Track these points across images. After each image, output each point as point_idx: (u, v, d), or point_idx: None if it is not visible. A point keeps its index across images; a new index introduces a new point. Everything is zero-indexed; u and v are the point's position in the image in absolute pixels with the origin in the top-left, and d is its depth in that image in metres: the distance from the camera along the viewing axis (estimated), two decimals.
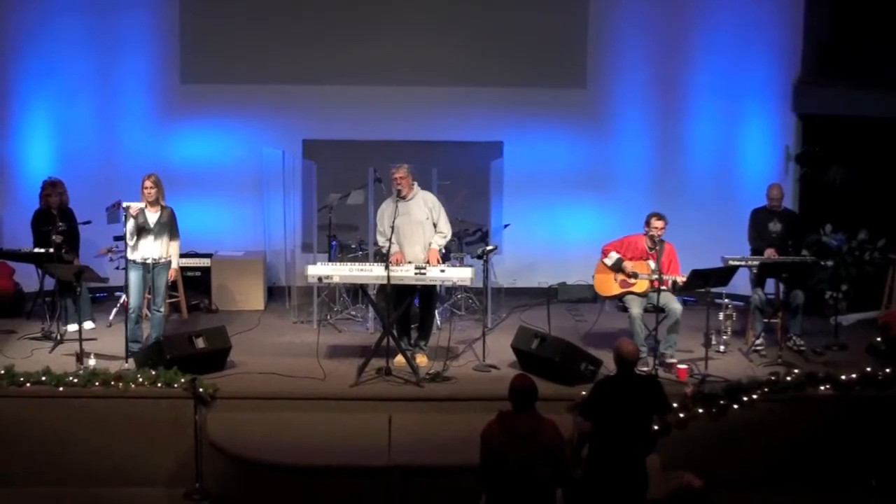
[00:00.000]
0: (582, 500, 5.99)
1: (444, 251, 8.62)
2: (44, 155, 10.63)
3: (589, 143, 11.12)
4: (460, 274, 8.21)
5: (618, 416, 5.98)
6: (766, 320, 8.83)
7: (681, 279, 8.25)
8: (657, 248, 8.38)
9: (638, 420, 6.04)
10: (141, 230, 8.29)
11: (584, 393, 7.54)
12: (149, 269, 8.36)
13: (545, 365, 7.96)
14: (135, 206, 8.27)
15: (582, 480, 5.99)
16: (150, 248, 8.34)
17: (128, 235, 8.31)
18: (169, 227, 8.43)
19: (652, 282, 8.28)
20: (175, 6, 10.81)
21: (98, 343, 8.75)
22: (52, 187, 9.23)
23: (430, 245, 8.37)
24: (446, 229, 8.47)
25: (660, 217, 8.41)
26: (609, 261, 8.50)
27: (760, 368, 8.24)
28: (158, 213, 8.38)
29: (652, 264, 8.38)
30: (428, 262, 8.26)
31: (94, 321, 9.32)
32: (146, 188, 8.34)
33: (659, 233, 8.38)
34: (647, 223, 8.43)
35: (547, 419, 5.80)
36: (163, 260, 8.41)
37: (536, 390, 5.84)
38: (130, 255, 8.36)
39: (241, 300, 10.38)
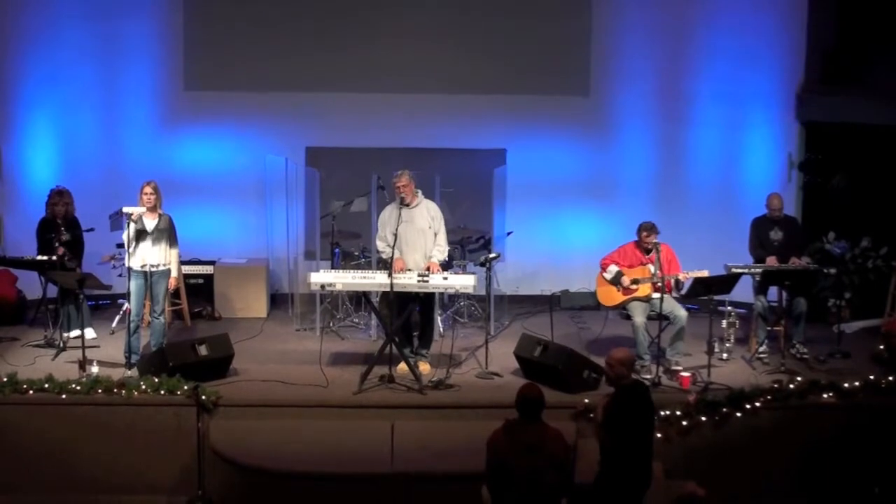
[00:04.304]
0: None
1: (446, 259, 8.62)
2: (47, 163, 10.65)
3: (592, 150, 11.12)
4: (463, 281, 8.21)
5: (628, 428, 5.97)
6: (769, 328, 8.82)
7: (683, 276, 8.26)
8: (654, 249, 8.35)
9: (645, 429, 6.04)
10: (140, 235, 8.28)
11: (586, 401, 7.55)
12: (147, 276, 8.36)
13: (548, 372, 7.95)
14: (136, 211, 8.27)
15: (594, 491, 5.98)
16: (149, 255, 8.34)
17: (127, 241, 8.30)
18: (167, 233, 8.42)
19: (654, 284, 8.28)
20: (178, 14, 10.84)
21: (101, 351, 8.78)
22: (58, 196, 9.22)
23: (429, 257, 8.37)
24: (445, 244, 8.49)
25: (650, 232, 8.39)
26: (608, 275, 8.51)
27: (763, 376, 8.22)
28: (157, 220, 8.38)
29: (652, 268, 8.38)
30: (429, 269, 8.27)
31: (93, 329, 9.32)
32: (146, 194, 8.35)
33: (650, 244, 8.39)
34: (639, 236, 8.45)
35: (552, 429, 5.80)
36: (161, 267, 8.41)
37: (544, 401, 5.84)
38: (129, 263, 8.35)
39: (244, 308, 10.37)
